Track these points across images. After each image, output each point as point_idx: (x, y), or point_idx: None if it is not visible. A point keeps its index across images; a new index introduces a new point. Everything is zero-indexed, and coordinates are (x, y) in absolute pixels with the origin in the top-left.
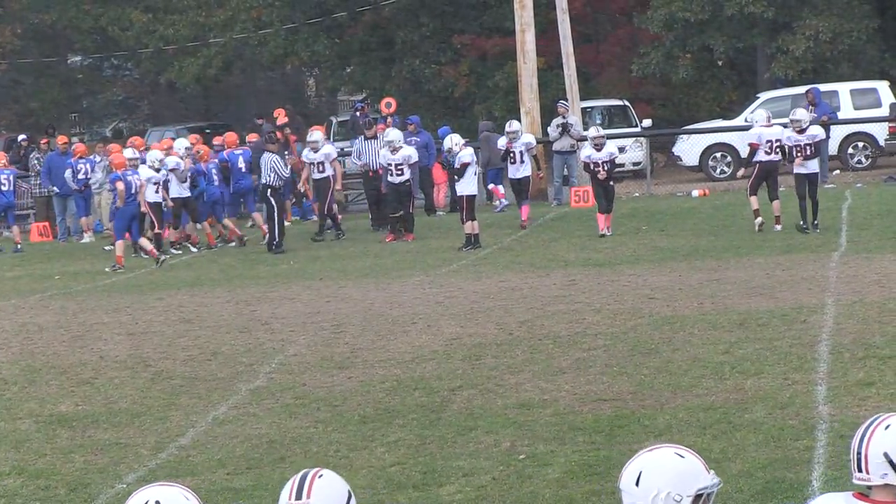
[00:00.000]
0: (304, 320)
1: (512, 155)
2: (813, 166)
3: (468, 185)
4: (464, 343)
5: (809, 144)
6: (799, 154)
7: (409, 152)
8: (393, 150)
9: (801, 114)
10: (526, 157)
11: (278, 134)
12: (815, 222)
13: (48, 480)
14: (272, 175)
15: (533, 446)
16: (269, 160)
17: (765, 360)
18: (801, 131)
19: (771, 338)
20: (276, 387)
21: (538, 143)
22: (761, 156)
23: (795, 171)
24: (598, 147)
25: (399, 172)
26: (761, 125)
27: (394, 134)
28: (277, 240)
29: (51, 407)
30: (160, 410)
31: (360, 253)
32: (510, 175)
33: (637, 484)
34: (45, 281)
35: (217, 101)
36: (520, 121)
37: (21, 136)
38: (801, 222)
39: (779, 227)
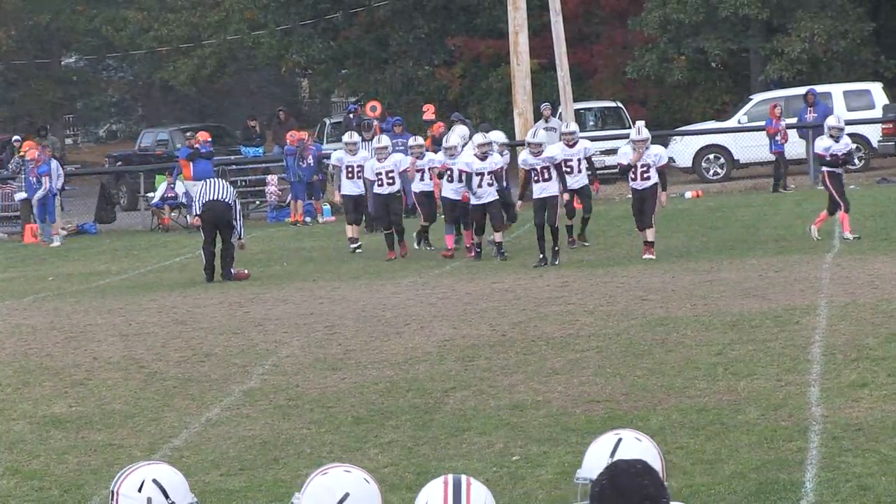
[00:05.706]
0: (297, 322)
1: (449, 173)
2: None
3: (348, 186)
4: (457, 344)
5: (579, 159)
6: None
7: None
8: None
9: (574, 125)
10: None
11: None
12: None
13: (42, 482)
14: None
15: (526, 447)
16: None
17: (758, 362)
18: (572, 145)
19: (764, 339)
20: (269, 388)
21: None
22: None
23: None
24: (836, 138)
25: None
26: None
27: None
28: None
29: (44, 408)
30: (153, 412)
31: (352, 255)
32: (443, 194)
33: None
34: (38, 282)
35: (211, 101)
36: (513, 122)
37: (14, 137)
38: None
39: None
